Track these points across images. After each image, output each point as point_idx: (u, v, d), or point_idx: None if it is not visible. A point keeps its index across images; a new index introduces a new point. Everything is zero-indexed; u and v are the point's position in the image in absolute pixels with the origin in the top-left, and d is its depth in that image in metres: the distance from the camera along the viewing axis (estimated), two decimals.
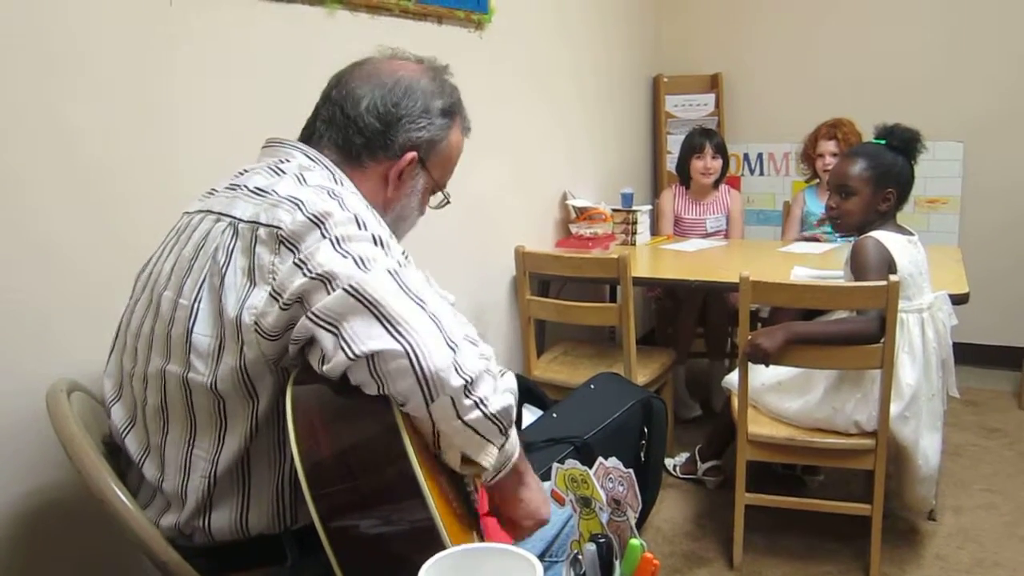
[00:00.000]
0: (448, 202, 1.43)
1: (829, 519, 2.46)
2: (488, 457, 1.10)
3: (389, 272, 1.05)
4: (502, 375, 1.14)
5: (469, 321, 1.18)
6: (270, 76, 1.88)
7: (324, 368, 1.03)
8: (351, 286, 1.02)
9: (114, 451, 1.25)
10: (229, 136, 1.74)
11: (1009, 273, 3.93)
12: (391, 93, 1.29)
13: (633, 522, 0.94)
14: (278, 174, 1.20)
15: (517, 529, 1.25)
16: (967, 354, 2.44)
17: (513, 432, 1.15)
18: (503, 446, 1.13)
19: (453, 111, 1.36)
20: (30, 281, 1.42)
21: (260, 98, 1.84)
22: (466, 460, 1.10)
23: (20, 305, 1.40)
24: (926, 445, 2.29)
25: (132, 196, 1.58)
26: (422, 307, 1.04)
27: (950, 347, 2.35)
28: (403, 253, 1.15)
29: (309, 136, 1.32)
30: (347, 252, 1.06)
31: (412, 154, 1.30)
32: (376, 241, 1.10)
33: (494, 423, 1.07)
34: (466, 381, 1.02)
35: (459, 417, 1.03)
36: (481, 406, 1.04)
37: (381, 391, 1.02)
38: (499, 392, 1.08)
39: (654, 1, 4.48)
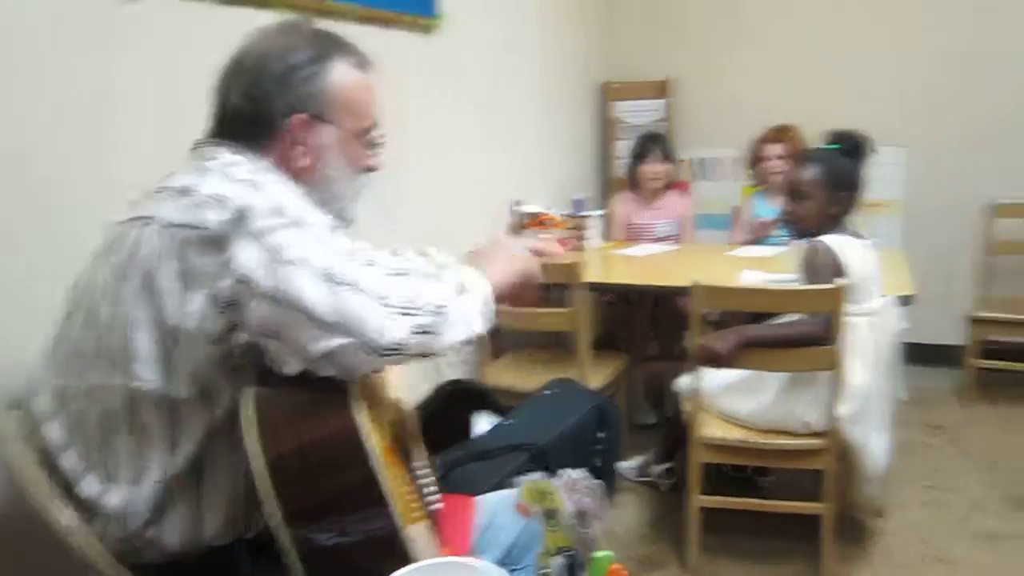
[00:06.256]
0: (382, 142, 1.38)
1: (783, 520, 2.49)
2: (481, 323, 1.19)
3: (308, 263, 1.05)
4: (442, 274, 1.23)
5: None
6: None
7: (282, 370, 1.05)
8: (274, 293, 1.03)
9: (54, 469, 1.20)
10: (172, 141, 1.69)
11: (949, 274, 4.03)
12: (248, 72, 1.25)
13: (598, 533, 0.94)
14: (202, 172, 1.17)
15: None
16: (910, 353, 2.50)
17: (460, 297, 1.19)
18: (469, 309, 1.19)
19: (323, 53, 1.28)
20: None
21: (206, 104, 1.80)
22: None
23: None
24: (874, 445, 2.33)
25: (79, 208, 1.53)
26: (346, 285, 1.05)
27: (898, 350, 2.39)
28: (327, 225, 1.13)
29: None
30: (267, 246, 1.05)
31: (297, 116, 1.25)
32: (297, 224, 1.09)
33: (457, 319, 1.14)
34: (413, 327, 1.07)
35: (439, 335, 1.10)
36: (440, 323, 1.11)
37: (355, 377, 1.05)
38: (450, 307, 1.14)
39: (603, 8, 4.50)
